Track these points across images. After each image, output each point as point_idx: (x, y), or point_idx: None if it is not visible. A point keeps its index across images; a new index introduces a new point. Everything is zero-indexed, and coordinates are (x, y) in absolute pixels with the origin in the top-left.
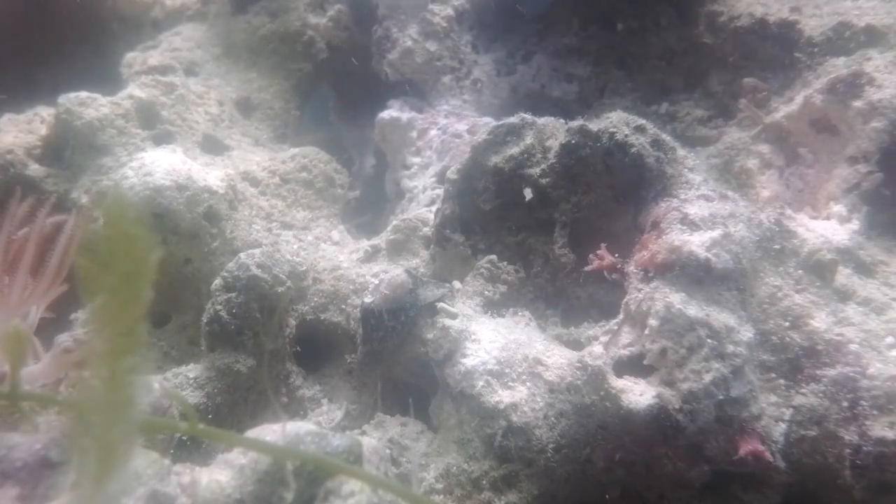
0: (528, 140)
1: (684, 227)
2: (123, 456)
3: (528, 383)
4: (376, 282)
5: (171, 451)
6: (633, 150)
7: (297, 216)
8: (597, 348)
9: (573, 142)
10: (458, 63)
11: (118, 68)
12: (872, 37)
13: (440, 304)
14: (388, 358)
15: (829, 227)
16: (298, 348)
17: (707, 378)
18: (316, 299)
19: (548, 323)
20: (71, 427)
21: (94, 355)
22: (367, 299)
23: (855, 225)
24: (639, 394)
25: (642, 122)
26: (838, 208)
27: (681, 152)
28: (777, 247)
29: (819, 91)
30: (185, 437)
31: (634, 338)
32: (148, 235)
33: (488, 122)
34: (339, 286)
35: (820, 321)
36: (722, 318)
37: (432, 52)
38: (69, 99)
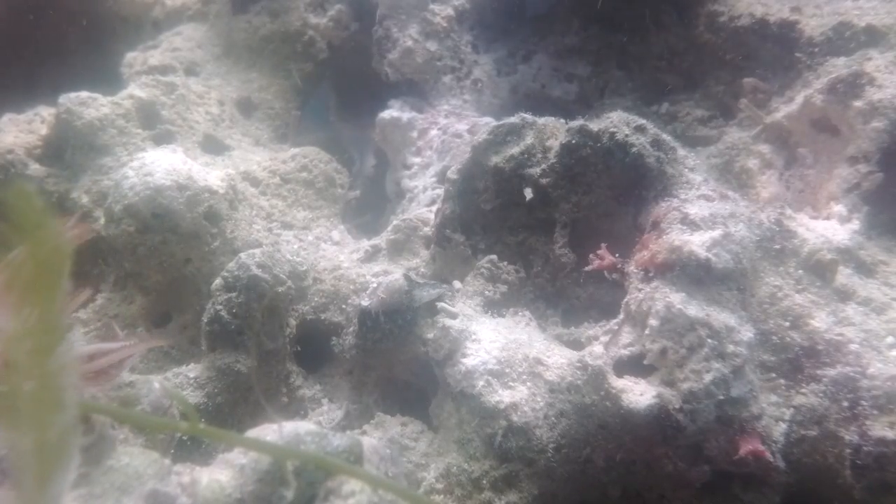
0: (529, 140)
1: (684, 227)
2: (59, 459)
3: (528, 383)
4: (374, 285)
5: (172, 451)
6: (634, 149)
7: (297, 216)
8: (597, 348)
9: (573, 142)
10: (458, 63)
11: (118, 68)
12: (873, 37)
13: (441, 304)
14: (379, 356)
15: (829, 227)
16: (299, 348)
17: (707, 378)
18: (316, 299)
19: (548, 323)
20: (7, 429)
21: (19, 353)
22: (365, 302)
23: (855, 225)
24: (639, 393)
25: (643, 121)
26: (839, 208)
27: (681, 152)
28: (777, 247)
29: (819, 91)
30: (185, 437)
31: (635, 337)
32: (58, 226)
33: (489, 121)
34: (340, 286)
35: (820, 321)
36: (722, 317)
37: (433, 51)
38: (70, 99)
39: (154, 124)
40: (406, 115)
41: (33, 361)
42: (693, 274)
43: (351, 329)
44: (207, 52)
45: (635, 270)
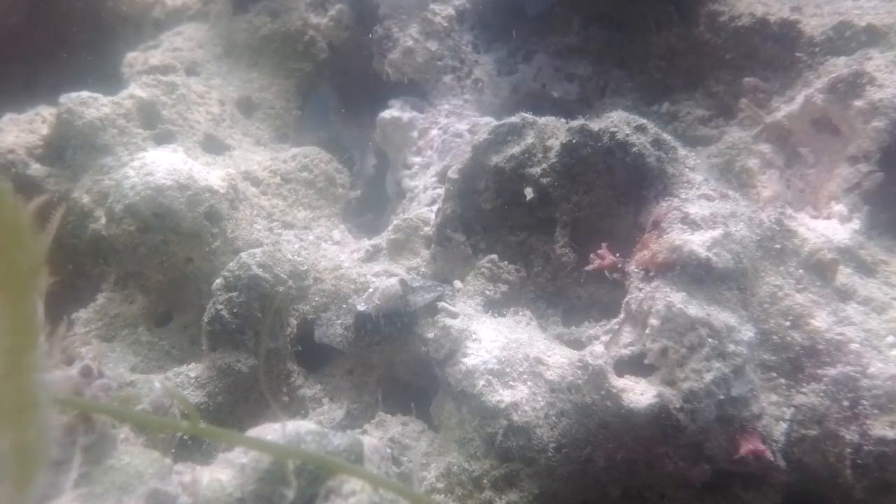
0: (529, 139)
1: (685, 227)
2: (34, 459)
3: (529, 382)
4: (371, 290)
5: (173, 451)
6: (634, 149)
7: (298, 216)
8: (598, 348)
9: (574, 141)
10: (458, 63)
11: (119, 68)
12: (873, 36)
13: (441, 304)
14: (377, 356)
15: (829, 227)
16: (299, 347)
17: (708, 377)
18: (317, 299)
19: (549, 322)
20: None
21: None
22: (361, 307)
23: (856, 224)
24: (640, 393)
25: (643, 121)
26: (839, 208)
27: (682, 152)
28: (778, 246)
29: (820, 90)
30: (186, 437)
31: (635, 337)
32: (34, 227)
33: (489, 121)
34: (341, 286)
35: (821, 320)
36: (723, 317)
37: (433, 51)
38: (70, 98)
39: (155, 124)
40: (406, 115)
41: (7, 362)
42: (693, 273)
43: (339, 321)
44: (208, 51)
45: (636, 270)
